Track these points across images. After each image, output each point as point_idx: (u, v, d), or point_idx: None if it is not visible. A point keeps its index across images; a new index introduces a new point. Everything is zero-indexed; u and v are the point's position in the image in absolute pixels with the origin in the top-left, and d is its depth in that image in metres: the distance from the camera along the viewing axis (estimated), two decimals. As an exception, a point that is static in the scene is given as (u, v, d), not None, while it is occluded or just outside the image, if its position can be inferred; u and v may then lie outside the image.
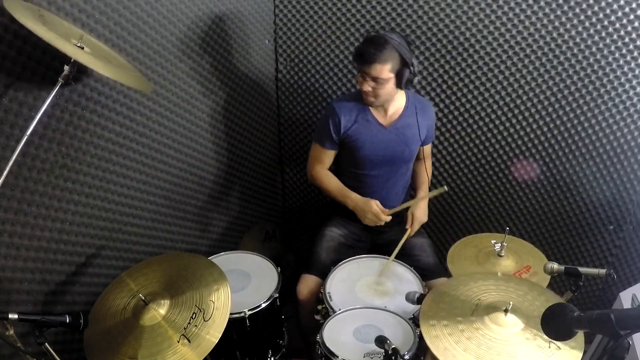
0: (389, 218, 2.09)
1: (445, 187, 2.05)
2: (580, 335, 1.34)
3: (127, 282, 1.71)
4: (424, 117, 2.17)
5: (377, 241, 2.35)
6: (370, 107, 2.10)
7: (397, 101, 2.12)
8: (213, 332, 1.51)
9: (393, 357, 1.41)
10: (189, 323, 1.54)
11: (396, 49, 1.89)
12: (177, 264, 1.77)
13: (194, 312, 1.56)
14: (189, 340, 1.49)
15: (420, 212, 2.24)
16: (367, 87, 1.97)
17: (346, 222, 2.30)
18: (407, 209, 2.21)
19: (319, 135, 2.20)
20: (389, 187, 2.24)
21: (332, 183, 2.21)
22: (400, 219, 2.26)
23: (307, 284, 2.13)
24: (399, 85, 1.97)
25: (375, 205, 2.08)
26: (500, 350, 1.36)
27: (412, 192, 2.42)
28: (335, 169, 2.29)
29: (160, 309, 1.58)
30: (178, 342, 1.49)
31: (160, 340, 1.51)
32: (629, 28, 2.00)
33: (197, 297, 1.61)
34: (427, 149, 2.34)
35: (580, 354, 1.35)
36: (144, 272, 1.74)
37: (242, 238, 2.75)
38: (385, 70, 1.90)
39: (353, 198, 2.14)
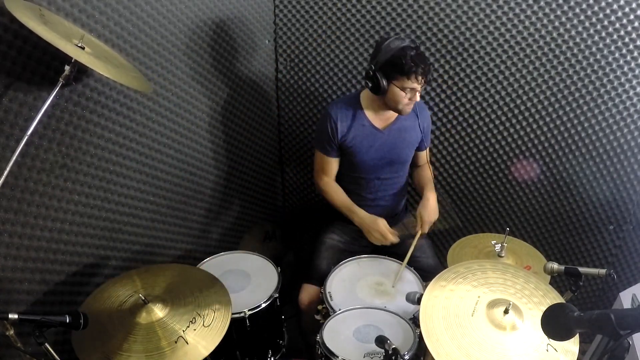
0: (395, 239, 2.08)
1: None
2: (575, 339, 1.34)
3: (133, 278, 1.72)
4: (420, 119, 2.17)
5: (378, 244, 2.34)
6: (365, 111, 2.10)
7: None
8: (206, 345, 1.50)
9: (393, 357, 1.41)
10: (188, 326, 1.54)
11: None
12: (185, 276, 1.77)
13: (193, 317, 1.57)
14: (186, 342, 1.49)
15: (427, 212, 2.21)
16: (417, 98, 1.97)
17: (346, 227, 2.30)
18: (407, 211, 2.20)
19: (319, 142, 2.19)
20: (386, 189, 2.24)
21: (339, 198, 2.22)
22: (402, 221, 2.25)
23: (308, 293, 2.13)
24: None
25: (382, 224, 2.08)
26: (498, 351, 1.36)
27: (416, 195, 2.42)
28: None
29: (159, 312, 1.58)
30: (175, 342, 1.49)
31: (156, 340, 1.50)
32: (629, 28, 2.00)
33: (197, 309, 1.61)
34: (424, 155, 2.31)
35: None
36: (148, 276, 1.74)
37: (242, 238, 2.75)
38: None
39: (360, 215, 2.14)
